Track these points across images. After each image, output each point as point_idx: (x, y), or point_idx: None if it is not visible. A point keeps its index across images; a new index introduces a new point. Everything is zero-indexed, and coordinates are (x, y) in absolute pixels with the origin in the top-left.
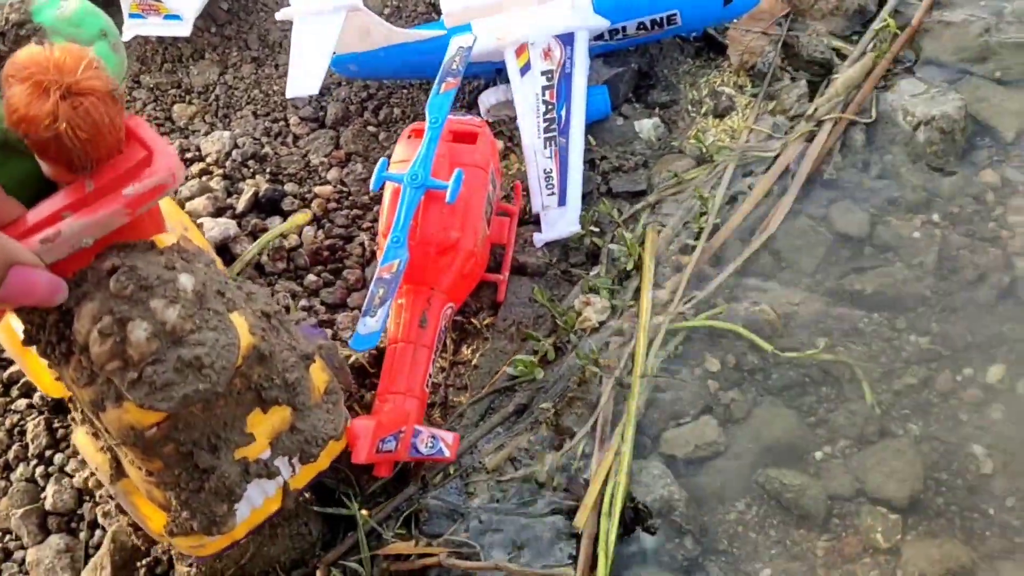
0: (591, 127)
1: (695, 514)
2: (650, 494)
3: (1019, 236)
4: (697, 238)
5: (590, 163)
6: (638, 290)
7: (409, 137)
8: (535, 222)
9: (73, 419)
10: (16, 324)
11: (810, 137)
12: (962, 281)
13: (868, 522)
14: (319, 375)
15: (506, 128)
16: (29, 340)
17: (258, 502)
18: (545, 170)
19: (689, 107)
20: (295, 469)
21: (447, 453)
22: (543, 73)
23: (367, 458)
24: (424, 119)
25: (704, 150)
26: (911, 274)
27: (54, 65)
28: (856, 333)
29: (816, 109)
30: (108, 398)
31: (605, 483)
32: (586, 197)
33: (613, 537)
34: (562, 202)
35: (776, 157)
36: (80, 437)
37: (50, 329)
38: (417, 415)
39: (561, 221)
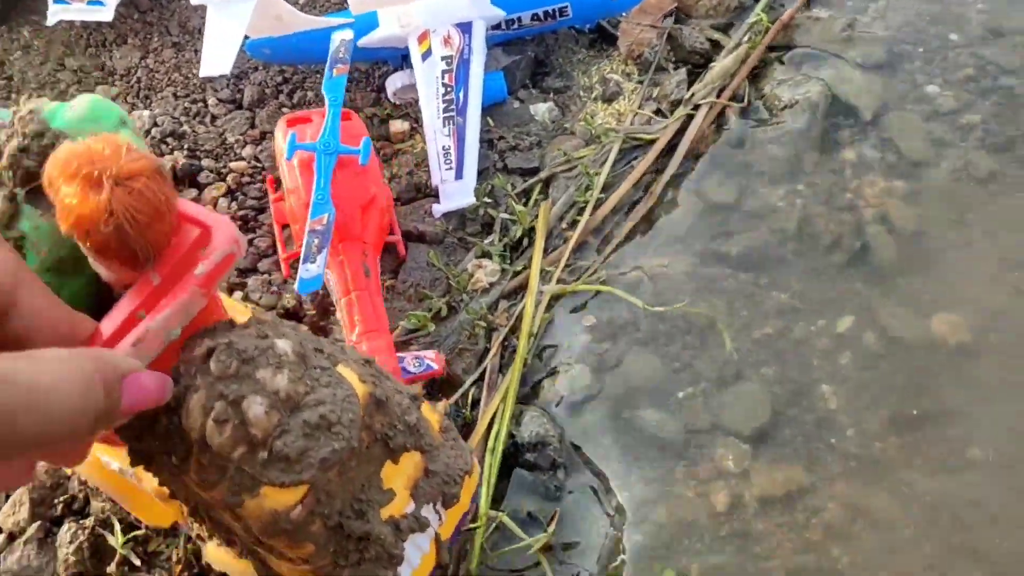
0: (491, 110)
1: (567, 449)
2: (527, 431)
3: (871, 207)
4: (582, 211)
5: (488, 143)
6: (529, 256)
7: (288, 126)
8: (434, 195)
9: (199, 537)
10: (106, 459)
11: (688, 120)
12: (819, 245)
13: (721, 451)
14: (431, 414)
15: (412, 110)
16: (138, 459)
17: (416, 562)
18: (444, 147)
19: (581, 92)
20: (441, 516)
21: (436, 367)
22: (443, 59)
23: None
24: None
25: (593, 131)
26: (774, 239)
27: (98, 155)
28: (721, 291)
29: (694, 95)
30: (244, 490)
31: (490, 425)
32: (483, 173)
33: (495, 471)
34: (459, 176)
35: (657, 138)
36: (213, 552)
37: (161, 437)
38: (391, 348)
39: (458, 194)
